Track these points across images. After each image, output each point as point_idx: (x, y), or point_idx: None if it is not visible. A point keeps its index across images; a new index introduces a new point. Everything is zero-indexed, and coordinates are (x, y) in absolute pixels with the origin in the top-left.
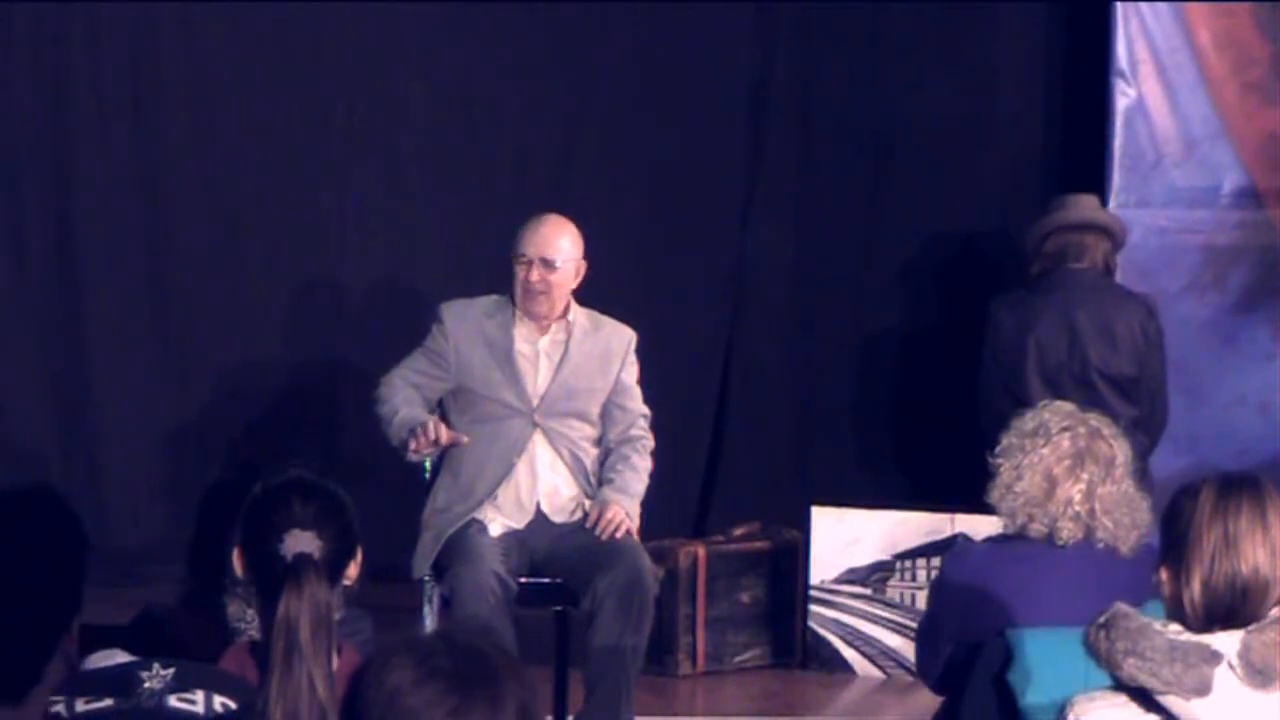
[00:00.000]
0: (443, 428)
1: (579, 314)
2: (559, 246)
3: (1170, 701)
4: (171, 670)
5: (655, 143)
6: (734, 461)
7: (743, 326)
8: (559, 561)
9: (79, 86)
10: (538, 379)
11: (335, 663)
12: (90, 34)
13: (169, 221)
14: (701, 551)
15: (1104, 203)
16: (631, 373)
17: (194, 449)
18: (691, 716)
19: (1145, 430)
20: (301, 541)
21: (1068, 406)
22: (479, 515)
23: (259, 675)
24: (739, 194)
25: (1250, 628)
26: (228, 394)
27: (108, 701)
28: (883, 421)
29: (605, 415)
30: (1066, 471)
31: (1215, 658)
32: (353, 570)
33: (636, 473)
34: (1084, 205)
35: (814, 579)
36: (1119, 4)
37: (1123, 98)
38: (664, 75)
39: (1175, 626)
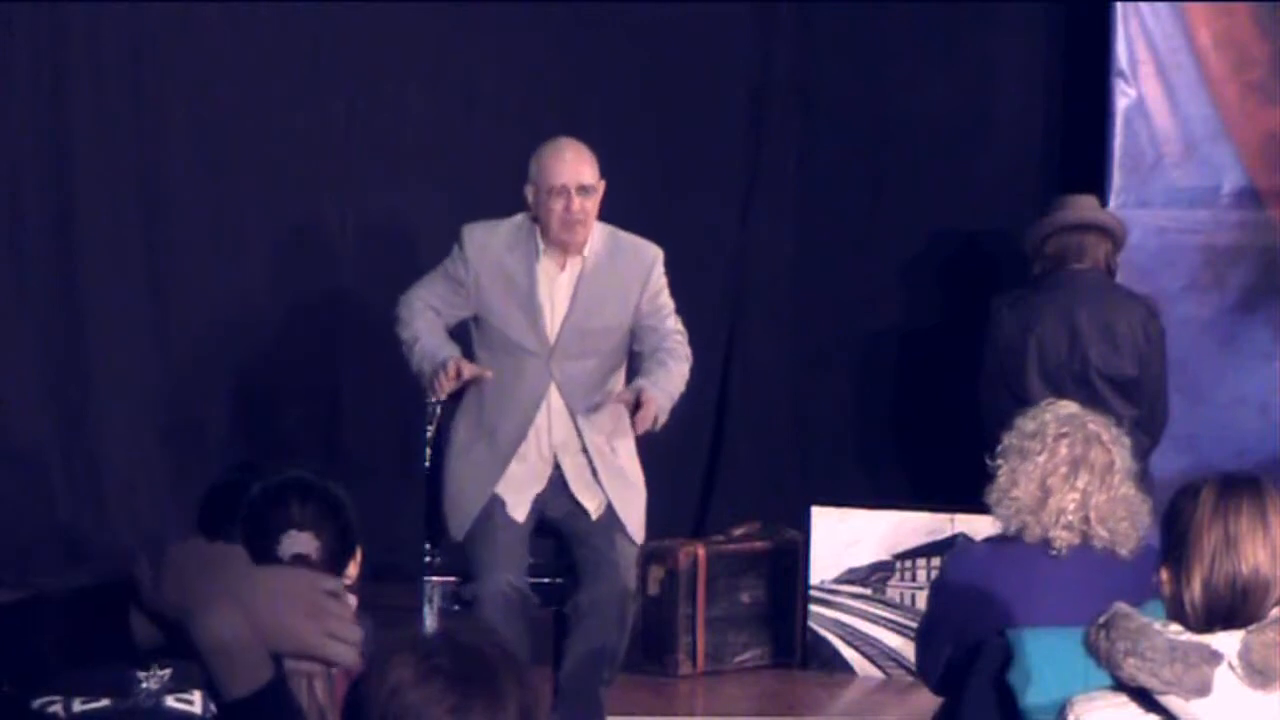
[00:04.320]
0: (465, 365)
1: (598, 240)
2: (590, 170)
3: (1170, 702)
4: (169, 671)
5: (655, 142)
6: (734, 461)
7: (743, 326)
8: (560, 548)
9: (79, 86)
10: (555, 319)
11: None
12: (90, 34)
13: (169, 221)
14: (701, 551)
15: (1104, 203)
16: (656, 297)
17: (194, 449)
18: (691, 716)
19: (1146, 430)
20: (299, 542)
21: (1070, 408)
22: (499, 489)
23: None
24: (739, 193)
25: (1250, 628)
26: (228, 394)
27: (105, 701)
28: (883, 421)
29: (636, 337)
30: (1061, 480)
31: (1215, 658)
32: (352, 570)
33: (671, 375)
34: (1084, 205)
35: (814, 579)
36: (1119, 4)
37: (1123, 98)
38: (664, 75)
39: (1175, 626)
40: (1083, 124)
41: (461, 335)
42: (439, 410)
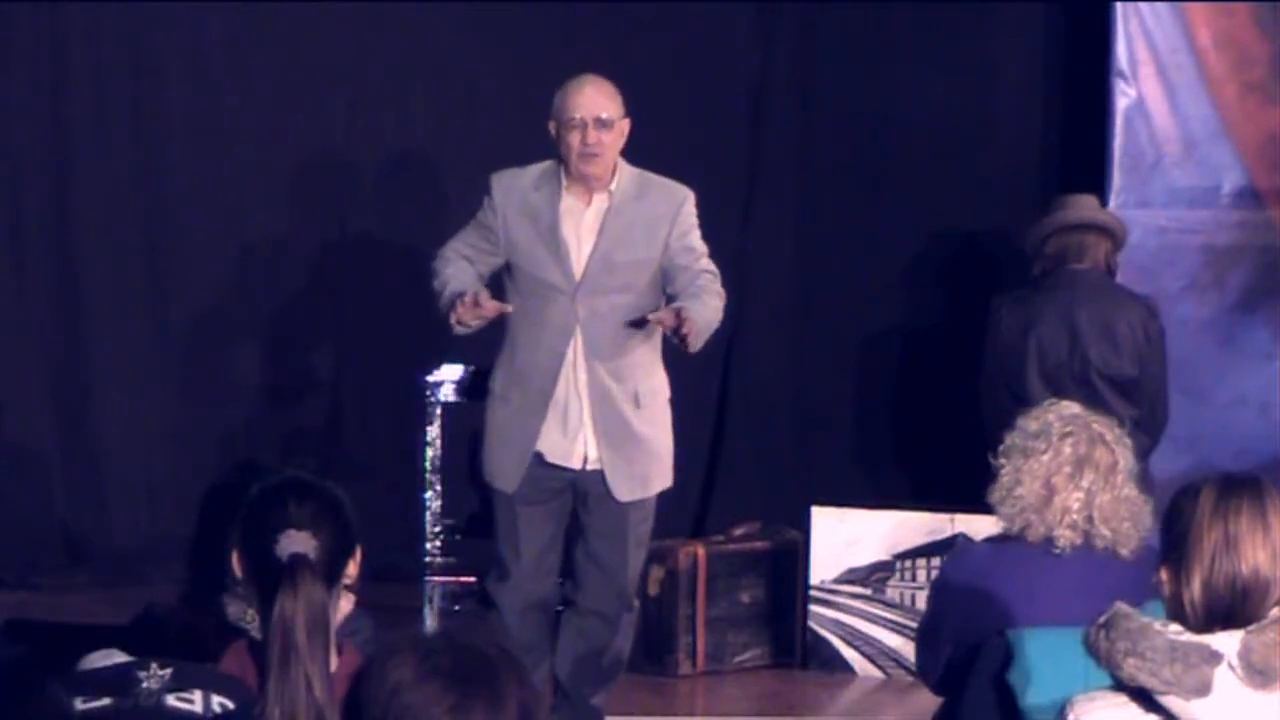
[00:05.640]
0: (485, 295)
1: (625, 178)
2: (609, 104)
3: (1170, 702)
4: (169, 670)
5: (655, 142)
6: (734, 461)
7: (743, 326)
8: (570, 552)
9: (79, 86)
10: (581, 254)
11: (335, 662)
12: (90, 34)
13: (169, 221)
14: (701, 551)
15: (1104, 203)
16: (685, 236)
17: (194, 449)
18: (691, 716)
19: (1146, 431)
20: (297, 542)
21: (1074, 408)
22: (540, 444)
23: (258, 676)
24: (739, 193)
25: (1250, 628)
26: (228, 394)
27: (105, 701)
28: (883, 421)
29: (668, 277)
30: (1066, 479)
31: (1215, 658)
32: (352, 569)
33: (706, 306)
34: (1084, 205)
35: (814, 579)
36: (1119, 4)
37: (1123, 98)
38: (664, 75)
39: (1175, 626)
40: (1083, 124)
41: (495, 287)
42: (440, 410)
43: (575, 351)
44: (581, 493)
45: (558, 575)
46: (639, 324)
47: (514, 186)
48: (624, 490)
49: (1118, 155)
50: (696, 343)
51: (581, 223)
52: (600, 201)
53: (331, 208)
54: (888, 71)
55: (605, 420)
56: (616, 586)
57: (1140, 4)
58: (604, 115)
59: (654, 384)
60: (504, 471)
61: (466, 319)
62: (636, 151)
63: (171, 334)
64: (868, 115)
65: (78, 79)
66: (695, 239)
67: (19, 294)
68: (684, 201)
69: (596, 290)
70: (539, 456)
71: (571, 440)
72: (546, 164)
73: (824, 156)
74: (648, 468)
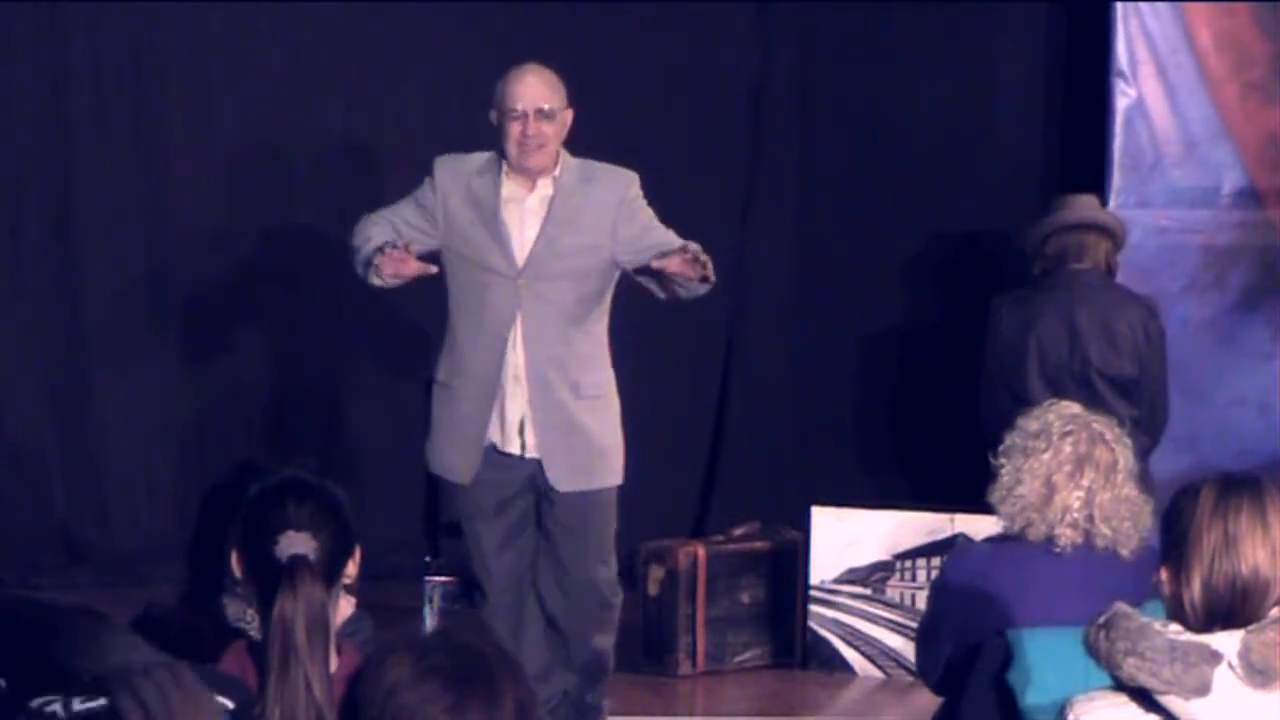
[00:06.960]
0: (411, 254)
1: (569, 166)
2: (551, 95)
3: (1170, 701)
4: None
5: (655, 143)
6: (734, 461)
7: (743, 326)
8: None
9: (79, 86)
10: (524, 239)
11: (335, 663)
12: (90, 33)
13: (168, 221)
14: (701, 551)
15: (1104, 203)
16: (636, 217)
17: (194, 449)
18: (691, 716)
19: (1146, 431)
20: (296, 543)
21: (1074, 408)
22: (491, 433)
23: (258, 676)
24: (739, 194)
25: (1250, 628)
26: (228, 394)
27: (104, 701)
28: (883, 421)
29: (644, 254)
30: (1066, 478)
31: (1215, 658)
32: (352, 569)
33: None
34: (1084, 205)
35: (814, 579)
36: (1119, 4)
37: (1123, 98)
38: (664, 75)
39: (1175, 626)
40: (1083, 124)
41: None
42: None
43: (516, 337)
44: (537, 488)
45: (532, 586)
46: (570, 341)
47: (458, 171)
48: (563, 481)
49: (1118, 155)
50: (712, 274)
51: (524, 208)
52: (544, 188)
53: (331, 207)
54: (888, 71)
55: (544, 408)
56: (573, 582)
57: (1140, 4)
58: (546, 106)
59: (598, 377)
60: (455, 464)
61: (387, 271)
62: (637, 151)
63: (171, 334)
64: (868, 115)
65: (78, 79)
66: (650, 217)
67: (19, 294)
68: (630, 184)
69: (541, 276)
70: (493, 447)
71: (515, 429)
72: (490, 153)
73: (824, 156)
74: (589, 460)
